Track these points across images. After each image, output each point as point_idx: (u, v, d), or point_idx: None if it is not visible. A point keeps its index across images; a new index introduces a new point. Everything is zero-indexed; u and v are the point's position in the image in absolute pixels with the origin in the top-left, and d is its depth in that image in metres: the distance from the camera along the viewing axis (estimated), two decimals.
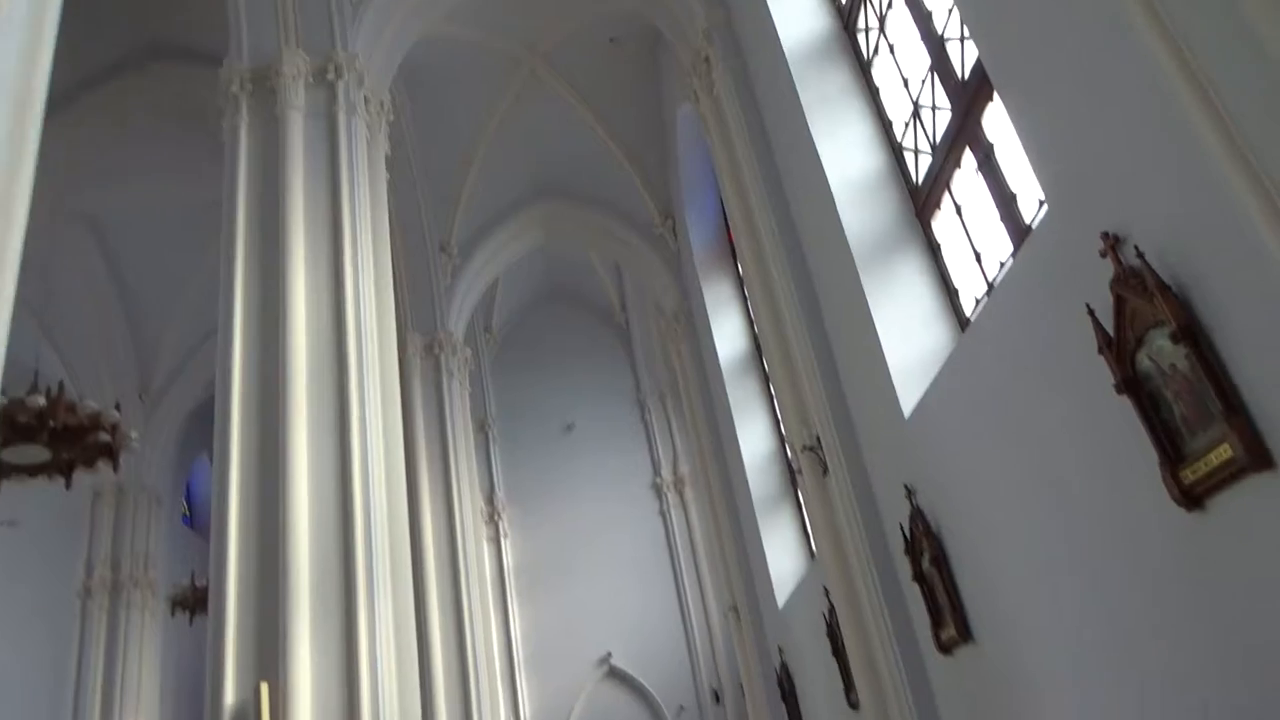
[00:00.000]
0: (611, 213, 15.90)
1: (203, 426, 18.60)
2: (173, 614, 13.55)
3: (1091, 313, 4.01)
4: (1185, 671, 3.84)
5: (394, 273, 8.94)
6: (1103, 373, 3.98)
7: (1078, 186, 4.26)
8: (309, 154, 8.19)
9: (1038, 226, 4.80)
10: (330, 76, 8.76)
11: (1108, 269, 3.87)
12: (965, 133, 6.02)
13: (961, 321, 6.59)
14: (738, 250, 10.03)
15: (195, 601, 12.74)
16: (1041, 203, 4.79)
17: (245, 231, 7.58)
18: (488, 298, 19.95)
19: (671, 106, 14.02)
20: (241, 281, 7.35)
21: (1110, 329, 3.91)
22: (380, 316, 7.86)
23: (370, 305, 7.59)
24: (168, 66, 12.02)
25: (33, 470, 8.05)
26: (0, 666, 15.11)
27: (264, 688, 5.71)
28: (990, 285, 5.95)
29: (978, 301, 6.22)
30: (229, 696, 5.77)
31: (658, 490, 19.89)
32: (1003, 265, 5.68)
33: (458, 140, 14.70)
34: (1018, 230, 5.37)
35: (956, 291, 6.68)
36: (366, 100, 9.09)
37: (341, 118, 8.56)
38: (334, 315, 7.26)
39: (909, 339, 6.72)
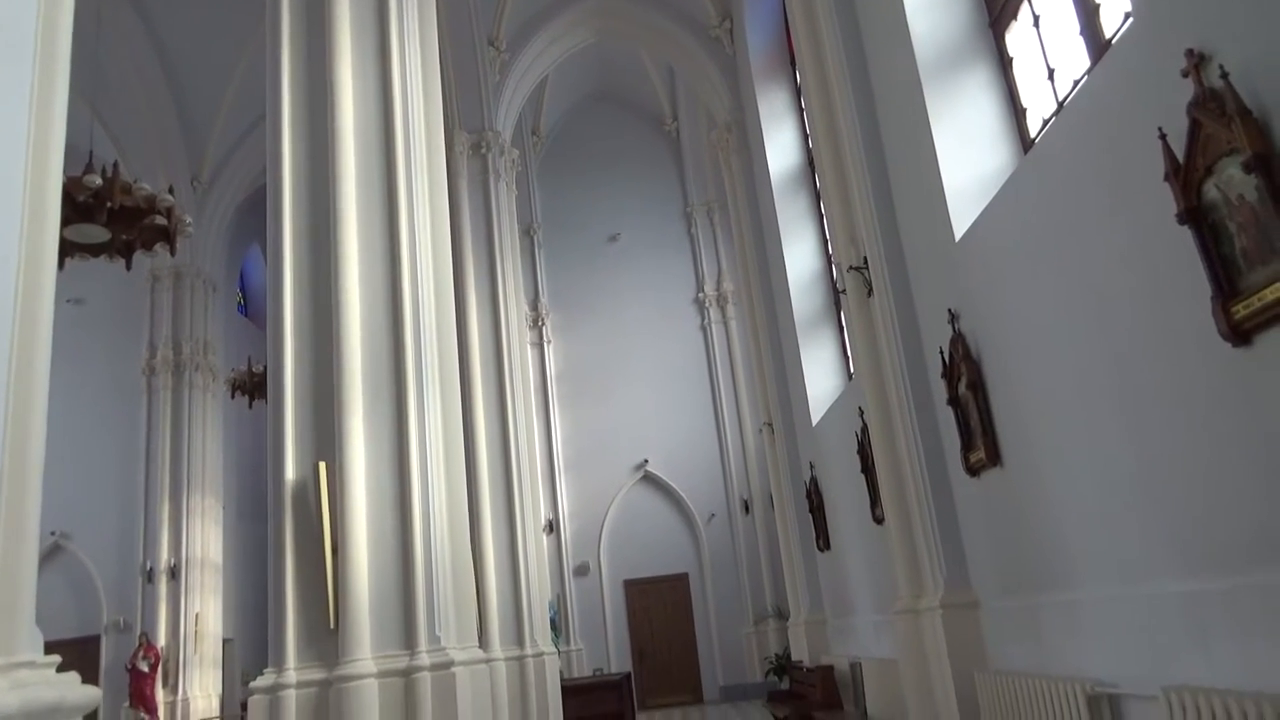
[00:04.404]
0: (666, 10, 15.17)
1: (254, 217, 18.92)
2: (233, 396, 14.23)
3: (1163, 136, 3.85)
4: (1224, 501, 3.92)
5: (441, 66, 8.70)
6: (1166, 201, 3.86)
7: None
8: None
9: (1119, 41, 4.52)
10: None
11: (1187, 90, 3.68)
12: None
13: (1025, 143, 6.35)
14: (797, 57, 9.58)
15: (253, 386, 13.32)
16: (1128, 15, 4.49)
17: (290, 16, 7.36)
18: (535, 99, 19.49)
19: None
20: (288, 70, 7.20)
21: (1180, 155, 3.76)
22: (428, 109, 7.72)
23: (418, 96, 7.44)
24: None
25: (94, 250, 8.27)
26: (76, 440, 16.18)
27: (322, 466, 6.08)
28: (1060, 104, 5.68)
29: (1045, 122, 5.96)
30: (290, 473, 6.16)
31: (700, 305, 20.03)
32: (1076, 83, 5.40)
33: None
34: (1097, 45, 5.07)
35: (1024, 110, 6.40)
36: None
37: None
38: (381, 106, 7.15)
39: (968, 159, 6.52)
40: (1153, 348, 4.24)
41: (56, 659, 2.02)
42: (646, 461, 19.00)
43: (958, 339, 6.38)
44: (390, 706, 5.67)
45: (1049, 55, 5.87)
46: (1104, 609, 4.88)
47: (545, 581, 12.79)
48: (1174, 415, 4.14)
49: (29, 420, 2.16)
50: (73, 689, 1.98)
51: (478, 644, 6.87)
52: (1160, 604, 4.33)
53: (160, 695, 15.37)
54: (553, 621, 14.49)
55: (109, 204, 7.97)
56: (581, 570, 18.64)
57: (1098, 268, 4.64)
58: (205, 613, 16.53)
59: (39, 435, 2.22)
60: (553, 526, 18.62)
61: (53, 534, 16.41)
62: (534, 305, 19.91)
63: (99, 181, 7.88)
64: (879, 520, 8.81)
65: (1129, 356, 4.45)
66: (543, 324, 19.95)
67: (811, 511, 12.40)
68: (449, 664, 5.83)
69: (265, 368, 12.65)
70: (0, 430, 2.07)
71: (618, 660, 18.05)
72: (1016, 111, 6.50)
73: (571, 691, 12.51)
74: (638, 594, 18.58)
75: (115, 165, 8.41)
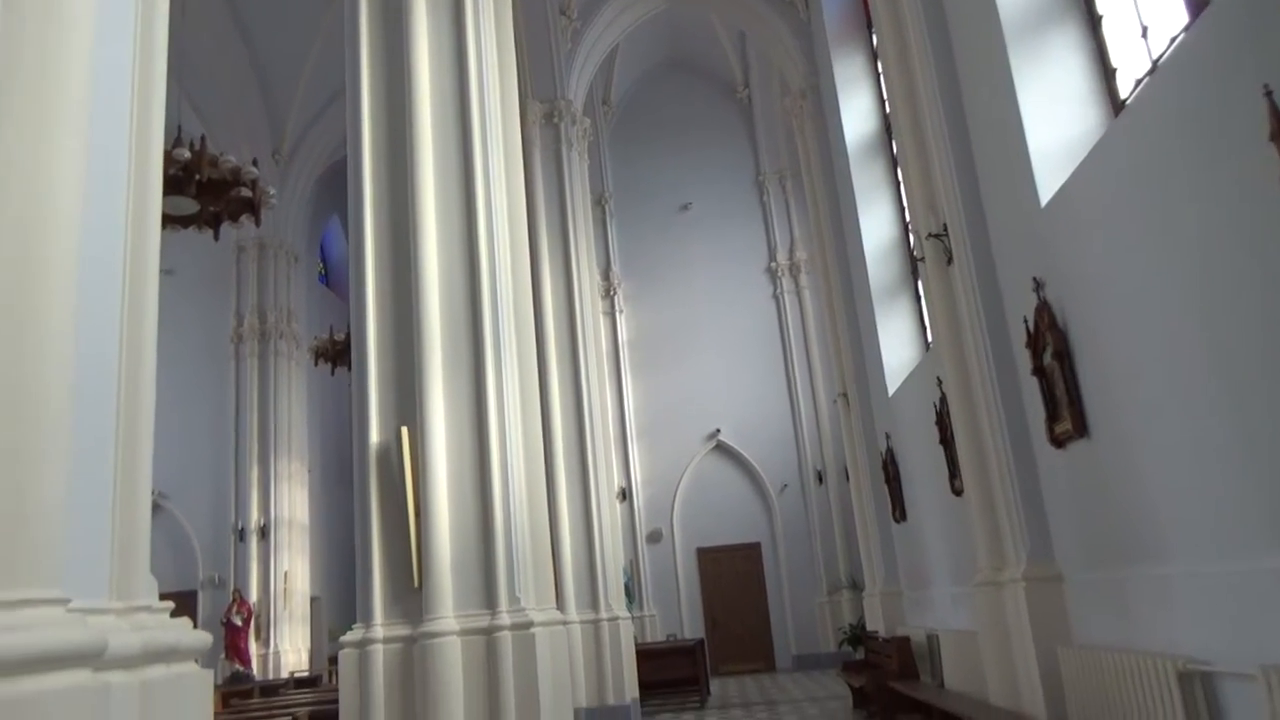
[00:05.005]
0: None
1: (333, 189, 19.37)
2: (315, 364, 14.68)
3: (1269, 94, 3.66)
4: None
5: (514, 36, 8.75)
6: (1270, 162, 3.69)
7: None
8: None
9: None
10: None
11: None
12: None
13: (1116, 104, 6.12)
14: (873, 19, 9.36)
15: (335, 354, 13.71)
16: None
17: None
18: (606, 68, 19.43)
19: None
20: (366, 44, 7.34)
21: None
22: (503, 80, 7.79)
23: (493, 67, 7.51)
24: None
25: (184, 221, 8.58)
26: (171, 405, 16.85)
27: (404, 431, 6.25)
28: (1154, 64, 5.45)
29: (1137, 83, 5.72)
30: (374, 437, 6.36)
31: (773, 274, 19.86)
32: (1172, 41, 5.17)
33: None
34: (1196, 0, 4.84)
35: (1114, 71, 6.15)
36: None
37: None
38: (457, 77, 7.24)
39: (1055, 122, 6.30)
40: (1252, 314, 4.08)
41: (170, 605, 2.14)
42: (719, 431, 19.01)
43: (1043, 307, 6.22)
44: (473, 663, 5.84)
45: (1142, 12, 5.63)
46: (1197, 584, 4.75)
47: (619, 547, 12.94)
48: (1273, 384, 3.98)
49: (140, 389, 2.27)
50: (187, 633, 2.10)
51: (555, 606, 7.01)
52: (1257, 580, 4.19)
53: (253, 648, 16.08)
54: (626, 587, 14.68)
55: (197, 176, 8.24)
56: (654, 537, 18.79)
57: (1193, 233, 4.47)
58: (294, 571, 17.20)
59: (148, 402, 2.33)
60: (626, 494, 18.79)
61: (153, 494, 17.16)
62: (606, 274, 19.97)
63: (187, 155, 8.14)
64: (958, 492, 8.68)
65: (1226, 323, 4.28)
66: (614, 293, 20.02)
67: (887, 482, 12.27)
68: (529, 624, 5.97)
69: (346, 336, 13.01)
70: (115, 397, 2.18)
71: (691, 627, 18.20)
72: (1106, 72, 6.26)
73: (645, 655, 12.69)
74: (710, 562, 18.67)
75: (202, 139, 8.68)
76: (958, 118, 7.51)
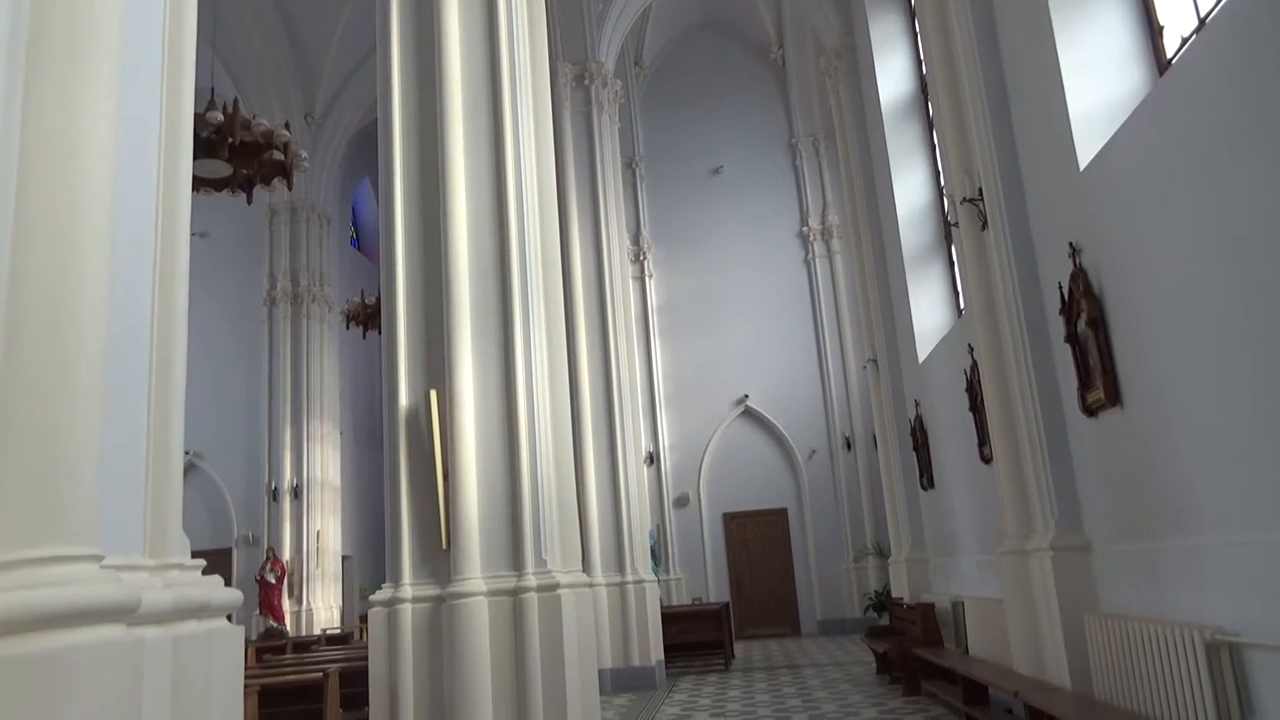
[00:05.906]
0: None
1: (364, 151, 19.40)
2: (347, 327, 14.83)
3: None
4: None
5: None
6: None
7: None
8: None
9: None
10: None
11: None
12: None
13: (1161, 64, 5.95)
14: None
15: (366, 317, 13.82)
16: None
17: None
18: (639, 28, 19.21)
19: None
20: (397, 4, 7.30)
21: None
22: (533, 41, 7.73)
23: (523, 28, 7.44)
24: None
25: (217, 185, 8.65)
26: (205, 366, 17.13)
27: (433, 394, 6.30)
28: (1202, 21, 5.29)
29: (1184, 41, 5.56)
30: (403, 400, 6.41)
31: (804, 239, 19.69)
32: None
33: None
34: None
35: (1161, 29, 5.98)
36: None
37: None
38: (487, 38, 7.18)
39: (1097, 82, 6.15)
40: None
41: (202, 563, 2.18)
42: (747, 396, 18.98)
43: (1079, 273, 6.11)
44: (499, 623, 5.92)
45: None
46: (1229, 555, 4.69)
47: (645, 511, 13.03)
48: None
49: (172, 350, 2.29)
50: (218, 590, 2.14)
51: (581, 569, 7.08)
52: None
53: (286, 605, 16.43)
54: (653, 551, 14.79)
55: (230, 139, 8.29)
56: (681, 501, 18.89)
57: (1238, 197, 4.35)
58: (325, 531, 17.50)
59: (180, 363, 2.35)
60: (653, 458, 18.87)
61: (187, 453, 17.50)
62: (635, 239, 19.89)
63: (220, 118, 8.19)
64: (986, 460, 8.62)
65: (1267, 292, 4.18)
66: (644, 258, 19.95)
67: (915, 449, 12.21)
68: (555, 586, 6.03)
69: (377, 299, 13.10)
70: (147, 358, 2.20)
71: (716, 591, 18.33)
72: (1152, 30, 6.09)
73: (671, 618, 12.81)
74: (736, 527, 18.75)
75: (235, 102, 8.72)
76: (996, 78, 7.36)
